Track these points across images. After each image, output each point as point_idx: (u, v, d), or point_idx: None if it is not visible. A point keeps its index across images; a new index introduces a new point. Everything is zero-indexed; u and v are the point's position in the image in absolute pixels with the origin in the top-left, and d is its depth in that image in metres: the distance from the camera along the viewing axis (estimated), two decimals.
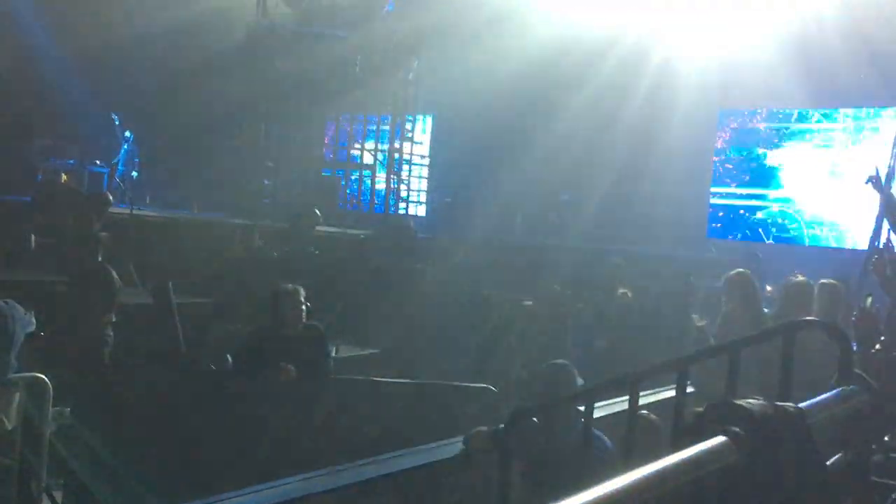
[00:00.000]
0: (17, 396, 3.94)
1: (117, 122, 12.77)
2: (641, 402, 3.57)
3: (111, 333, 5.39)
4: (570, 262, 11.81)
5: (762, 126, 16.37)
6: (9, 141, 14.90)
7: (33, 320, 4.14)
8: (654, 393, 4.80)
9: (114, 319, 5.44)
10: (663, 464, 1.52)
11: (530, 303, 7.84)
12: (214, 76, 16.98)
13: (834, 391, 2.16)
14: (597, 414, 3.74)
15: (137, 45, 15.97)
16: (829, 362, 3.34)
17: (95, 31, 16.26)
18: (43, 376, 4.01)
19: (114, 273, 5.70)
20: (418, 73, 13.15)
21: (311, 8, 12.88)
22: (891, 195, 5.59)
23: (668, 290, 8.51)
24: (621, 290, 7.91)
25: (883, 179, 6.08)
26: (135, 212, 10.33)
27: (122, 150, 12.65)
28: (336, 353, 6.36)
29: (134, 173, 12.61)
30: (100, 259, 6.29)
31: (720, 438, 1.61)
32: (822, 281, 6.22)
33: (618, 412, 4.20)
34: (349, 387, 5.77)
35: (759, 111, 16.39)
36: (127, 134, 12.72)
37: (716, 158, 16.84)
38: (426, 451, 4.36)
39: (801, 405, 2.01)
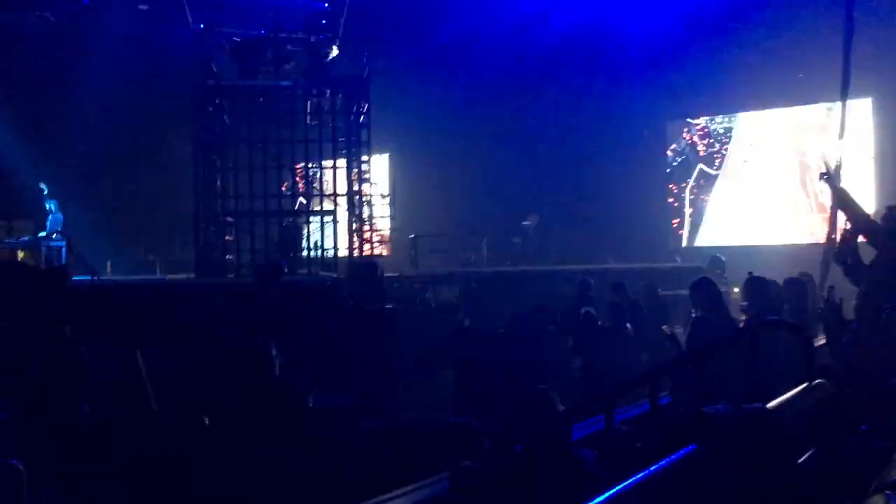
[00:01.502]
0: None
1: (45, 192, 12.65)
2: (620, 417, 3.60)
3: (87, 409, 5.30)
4: (538, 286, 11.89)
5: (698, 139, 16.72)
6: None
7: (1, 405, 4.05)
8: (631, 408, 4.82)
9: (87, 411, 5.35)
10: (640, 477, 1.54)
11: (502, 331, 7.84)
12: (165, 135, 16.99)
13: (799, 387, 2.20)
14: (580, 434, 3.76)
15: (81, 113, 15.95)
16: (798, 359, 3.39)
17: (43, 105, 16.23)
18: (16, 463, 3.92)
19: (82, 347, 5.61)
20: (369, 114, 13.21)
21: (254, 63, 12.91)
22: (841, 189, 5.73)
23: (638, 303, 8.59)
24: (584, 309, 7.97)
25: (832, 172, 6.24)
26: (96, 281, 10.22)
27: (49, 222, 12.50)
28: (311, 403, 6.29)
29: (60, 243, 12.40)
30: (66, 334, 6.18)
31: (691, 447, 1.63)
32: (788, 277, 6.34)
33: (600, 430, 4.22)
34: (328, 434, 5.71)
35: (697, 122, 16.75)
36: (48, 205, 12.61)
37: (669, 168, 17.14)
38: (413, 490, 4.33)
39: (769, 405, 2.04)
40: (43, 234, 12.28)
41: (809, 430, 2.27)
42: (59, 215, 12.48)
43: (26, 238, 12.46)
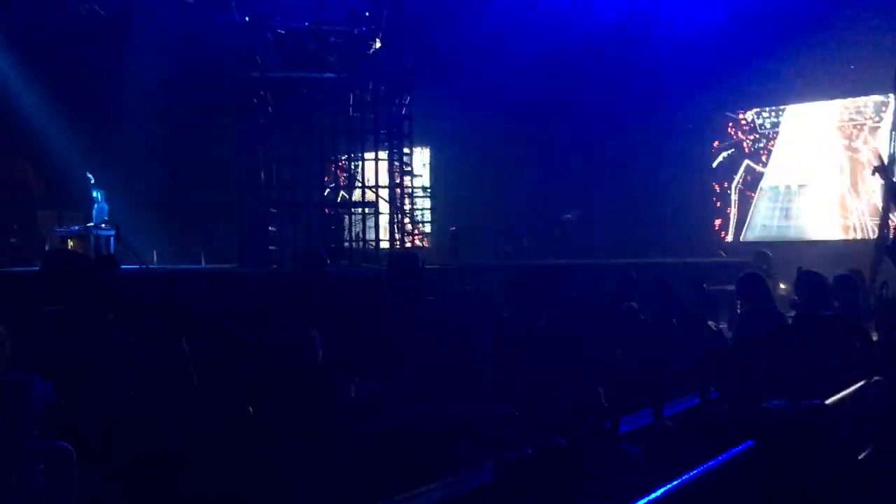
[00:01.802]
0: (40, 469, 3.91)
1: (92, 182, 12.83)
2: (667, 412, 3.55)
3: (131, 393, 5.39)
4: (580, 280, 11.80)
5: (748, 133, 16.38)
6: (15, 214, 15.10)
7: (51, 389, 4.13)
8: (678, 402, 4.76)
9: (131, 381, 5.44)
10: (697, 472, 1.51)
11: (543, 324, 7.79)
12: (209, 128, 17.20)
13: (858, 384, 2.14)
14: (625, 428, 3.71)
15: (130, 103, 16.23)
16: (851, 355, 3.31)
17: (90, 96, 16.56)
18: (66, 444, 3.99)
19: (128, 335, 5.71)
20: (412, 107, 13.23)
21: (298, 55, 12.99)
22: (893, 182, 5.58)
23: (683, 298, 8.45)
24: (626, 304, 7.87)
25: (885, 165, 6.09)
26: (144, 269, 10.40)
27: (95, 211, 12.69)
28: (353, 392, 6.32)
29: (109, 232, 12.55)
30: (112, 322, 6.29)
31: (748, 443, 1.59)
32: (838, 273, 6.19)
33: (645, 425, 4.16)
34: (370, 424, 5.73)
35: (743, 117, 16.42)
36: (95, 194, 12.76)
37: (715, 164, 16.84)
38: (456, 481, 4.32)
39: (827, 401, 1.98)
40: (91, 224, 12.49)
41: (867, 427, 2.20)
42: (105, 205, 12.68)
43: (76, 227, 12.70)
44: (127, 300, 7.34)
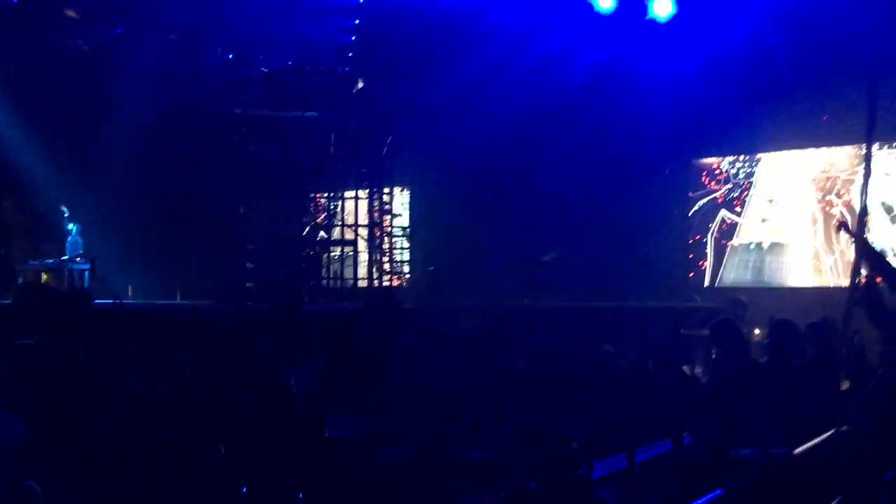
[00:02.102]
0: None
1: (66, 215, 12.76)
2: (639, 457, 3.56)
3: (107, 429, 5.32)
4: (556, 323, 11.81)
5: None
6: None
7: (19, 428, 4.07)
8: (650, 448, 4.76)
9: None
10: None
11: (521, 366, 7.77)
12: (190, 163, 17.20)
13: (827, 433, 2.17)
14: (598, 474, 3.70)
15: (110, 137, 16.22)
16: (821, 403, 3.35)
17: (72, 131, 16.54)
18: (33, 484, 3.93)
19: (101, 370, 5.65)
20: (393, 147, 13.35)
21: (281, 94, 13.12)
22: (864, 239, 5.68)
23: (658, 342, 8.49)
24: (604, 347, 7.90)
25: (854, 221, 6.17)
26: (118, 304, 10.30)
27: (68, 245, 12.60)
28: (327, 433, 6.27)
29: (83, 266, 12.45)
30: (84, 356, 6.22)
31: (718, 492, 1.61)
32: (811, 322, 6.25)
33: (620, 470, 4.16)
34: (345, 466, 5.67)
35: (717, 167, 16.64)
36: (70, 227, 12.68)
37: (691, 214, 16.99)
38: None
39: (796, 451, 2.01)
40: (65, 257, 12.40)
41: (835, 478, 2.23)
42: (79, 238, 12.61)
43: (50, 260, 12.60)
44: (100, 336, 7.27)
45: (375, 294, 12.01)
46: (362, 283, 13.16)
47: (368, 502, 5.32)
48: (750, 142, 15.70)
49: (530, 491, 3.51)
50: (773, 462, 1.78)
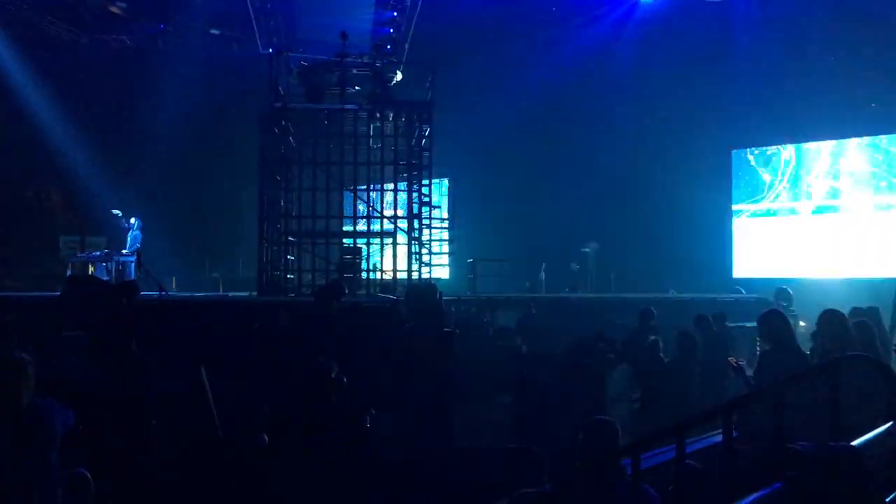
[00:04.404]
0: (59, 494, 3.93)
1: (119, 215, 12.94)
2: (687, 450, 3.51)
3: (154, 422, 5.41)
4: (598, 314, 11.74)
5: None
6: (39, 240, 15.34)
7: (72, 415, 4.15)
8: (696, 441, 4.71)
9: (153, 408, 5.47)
10: None
11: (561, 358, 7.75)
12: (232, 156, 17.42)
13: (886, 426, 2.11)
14: (643, 465, 3.66)
15: (153, 132, 16.50)
16: (874, 396, 3.27)
17: (116, 125, 16.86)
18: (85, 472, 4.01)
19: (147, 361, 5.75)
20: (431, 139, 13.33)
21: (320, 85, 13.16)
22: None
23: (704, 334, 8.40)
24: (652, 338, 7.83)
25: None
26: (164, 296, 10.47)
27: (129, 238, 12.80)
28: (368, 423, 6.30)
29: (130, 259, 12.65)
30: (132, 348, 6.33)
31: (776, 485, 1.57)
32: (855, 317, 6.10)
33: (664, 462, 4.11)
34: (386, 456, 5.70)
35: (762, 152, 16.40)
36: (133, 220, 12.85)
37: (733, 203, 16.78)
38: None
39: (854, 443, 1.96)
40: (125, 250, 12.62)
41: (893, 470, 2.17)
42: (139, 233, 12.83)
43: (98, 253, 12.85)
44: (147, 327, 7.39)
45: (415, 286, 12.02)
46: (402, 275, 13.18)
47: (406, 494, 5.33)
48: (793, 131, 15.43)
49: (571, 482, 3.48)
50: (834, 454, 1.74)
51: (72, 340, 7.40)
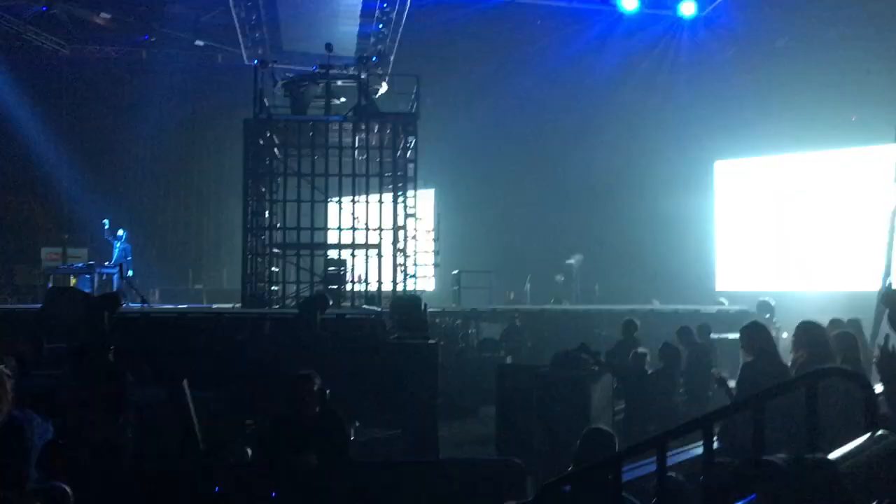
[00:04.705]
0: None
1: (107, 226, 12.90)
2: (669, 461, 3.52)
3: (130, 435, 5.36)
4: (581, 325, 11.78)
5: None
6: (20, 251, 15.22)
7: (50, 428, 4.12)
8: (679, 452, 4.72)
9: (130, 420, 5.42)
10: None
11: (545, 369, 7.76)
12: (216, 167, 17.39)
13: (862, 437, 2.12)
14: (626, 477, 3.67)
15: (137, 143, 16.45)
16: (853, 408, 3.29)
17: (100, 136, 16.78)
18: (64, 485, 3.97)
19: (127, 373, 5.71)
20: (416, 150, 13.33)
21: (305, 96, 13.15)
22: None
23: (687, 345, 8.43)
24: (638, 349, 7.85)
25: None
26: (146, 308, 10.42)
27: (116, 250, 12.74)
28: (353, 436, 6.29)
29: (130, 272, 12.64)
30: (111, 360, 6.29)
31: (751, 497, 1.58)
32: (836, 330, 6.13)
33: (646, 475, 4.13)
34: (368, 470, 5.68)
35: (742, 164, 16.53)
36: (120, 232, 12.82)
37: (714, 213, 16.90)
38: None
39: (830, 455, 1.98)
40: (110, 262, 12.58)
41: (872, 482, 2.19)
42: (128, 245, 12.77)
43: (79, 264, 12.77)
44: (129, 339, 7.34)
45: (400, 297, 12.01)
46: (387, 287, 13.16)
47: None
48: (775, 142, 15.55)
49: (562, 494, 3.48)
50: (809, 466, 1.75)
51: (52, 353, 7.34)
